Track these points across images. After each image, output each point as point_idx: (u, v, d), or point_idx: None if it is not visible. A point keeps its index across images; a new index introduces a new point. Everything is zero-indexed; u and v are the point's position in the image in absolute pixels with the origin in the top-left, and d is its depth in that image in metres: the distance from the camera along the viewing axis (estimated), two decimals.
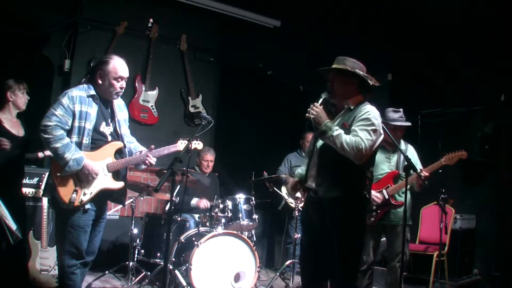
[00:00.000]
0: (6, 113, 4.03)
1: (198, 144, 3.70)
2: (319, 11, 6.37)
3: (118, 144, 3.21)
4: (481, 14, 5.61)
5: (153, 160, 3.26)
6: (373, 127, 2.88)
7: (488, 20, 5.66)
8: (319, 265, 3.02)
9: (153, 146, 3.33)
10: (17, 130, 4.04)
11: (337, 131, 2.87)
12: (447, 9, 5.64)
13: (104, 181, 3.13)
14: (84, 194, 3.04)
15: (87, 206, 3.06)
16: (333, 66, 3.05)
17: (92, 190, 3.08)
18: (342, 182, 2.91)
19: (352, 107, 3.01)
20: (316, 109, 2.95)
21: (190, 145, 3.26)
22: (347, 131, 2.90)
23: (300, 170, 3.22)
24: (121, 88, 3.16)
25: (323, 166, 3.00)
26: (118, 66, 3.14)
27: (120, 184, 3.21)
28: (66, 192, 3.00)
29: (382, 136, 2.95)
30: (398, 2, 6.05)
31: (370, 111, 2.94)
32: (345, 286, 2.95)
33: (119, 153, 3.23)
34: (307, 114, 2.96)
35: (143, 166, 3.37)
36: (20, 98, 4.04)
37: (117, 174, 3.20)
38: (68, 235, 3.02)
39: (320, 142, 3.02)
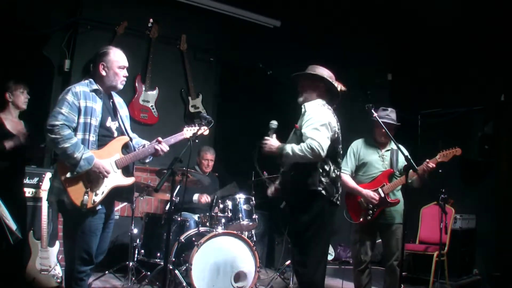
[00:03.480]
0: (7, 113, 4.05)
1: (205, 130, 3.37)
2: (319, 11, 6.37)
3: (124, 139, 3.12)
4: (481, 13, 5.61)
5: (166, 147, 3.16)
6: (320, 122, 3.08)
7: (488, 20, 5.66)
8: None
9: (160, 138, 3.20)
10: (18, 130, 4.04)
11: (288, 147, 3.08)
12: (447, 9, 5.64)
13: (115, 178, 3.02)
14: (96, 194, 2.93)
15: (98, 207, 2.95)
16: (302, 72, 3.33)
17: (104, 190, 2.96)
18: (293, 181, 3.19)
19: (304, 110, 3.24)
20: (266, 142, 3.18)
21: (197, 132, 3.23)
22: (298, 132, 3.15)
23: None
24: (124, 76, 3.12)
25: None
26: (119, 55, 3.12)
27: (131, 180, 3.12)
28: (77, 195, 2.88)
29: (334, 127, 3.16)
30: (398, 2, 6.05)
31: (311, 110, 3.18)
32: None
33: (126, 147, 3.13)
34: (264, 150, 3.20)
35: (150, 159, 3.26)
36: (19, 97, 4.06)
37: (126, 170, 3.10)
38: (78, 240, 2.91)
39: None
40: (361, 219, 3.96)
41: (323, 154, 3.00)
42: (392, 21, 6.40)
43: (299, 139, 3.13)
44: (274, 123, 3.26)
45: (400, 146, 4.14)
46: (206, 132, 3.34)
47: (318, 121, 3.08)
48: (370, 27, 6.55)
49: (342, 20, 6.46)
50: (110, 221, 3.17)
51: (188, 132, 3.32)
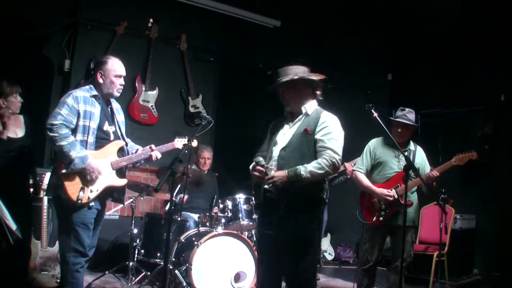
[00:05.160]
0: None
1: (193, 142, 3.73)
2: (319, 11, 6.37)
3: (120, 143, 3.35)
4: (481, 14, 5.62)
5: (158, 155, 3.47)
6: (339, 131, 3.01)
7: (488, 20, 5.66)
8: None
9: (153, 146, 3.48)
10: (15, 131, 3.97)
11: (301, 169, 2.87)
12: (447, 9, 5.65)
13: (109, 178, 3.25)
14: (91, 191, 3.15)
15: (92, 203, 3.16)
16: (281, 79, 3.12)
17: (98, 188, 3.18)
18: None
19: (309, 113, 3.08)
20: (271, 179, 2.90)
21: (190, 144, 3.35)
22: (310, 137, 2.98)
23: None
24: (121, 85, 3.33)
25: None
26: (117, 65, 3.32)
27: (124, 181, 3.35)
28: (74, 190, 3.09)
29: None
30: (398, 2, 6.05)
31: (328, 118, 3.03)
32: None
33: (121, 151, 3.36)
34: (267, 187, 2.96)
35: (141, 163, 3.52)
36: (13, 103, 3.91)
37: (120, 172, 3.33)
38: (73, 233, 3.11)
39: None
40: (373, 219, 3.93)
41: (340, 165, 3.00)
42: (392, 21, 6.40)
43: (311, 145, 2.99)
44: (260, 160, 3.03)
45: (418, 147, 4.13)
46: (195, 144, 3.76)
47: (338, 130, 3.01)
48: (370, 28, 6.55)
49: (342, 20, 6.46)
50: (101, 218, 3.36)
51: (178, 143, 3.68)
